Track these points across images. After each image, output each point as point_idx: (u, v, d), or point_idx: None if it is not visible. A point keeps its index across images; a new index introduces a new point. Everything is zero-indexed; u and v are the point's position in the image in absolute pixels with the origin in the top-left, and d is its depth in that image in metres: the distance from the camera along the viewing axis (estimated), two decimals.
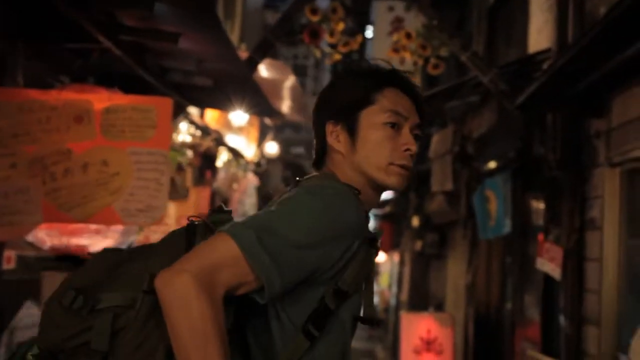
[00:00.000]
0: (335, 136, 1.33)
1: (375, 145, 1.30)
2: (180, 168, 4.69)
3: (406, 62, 4.60)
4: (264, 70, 5.31)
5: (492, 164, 5.93)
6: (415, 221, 10.40)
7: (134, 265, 1.20)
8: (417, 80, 5.81)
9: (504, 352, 6.13)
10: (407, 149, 1.32)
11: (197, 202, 6.39)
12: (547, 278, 4.79)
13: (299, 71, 9.46)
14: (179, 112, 4.42)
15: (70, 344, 1.15)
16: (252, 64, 4.65)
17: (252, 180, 7.09)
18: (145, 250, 1.24)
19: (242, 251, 1.10)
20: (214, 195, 7.03)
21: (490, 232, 6.25)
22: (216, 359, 1.07)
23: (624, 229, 3.82)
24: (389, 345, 14.74)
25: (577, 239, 4.15)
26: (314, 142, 1.40)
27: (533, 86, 4.21)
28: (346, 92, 1.34)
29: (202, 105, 4.96)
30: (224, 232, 1.13)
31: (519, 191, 5.74)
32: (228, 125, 6.00)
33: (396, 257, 15.50)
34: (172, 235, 1.25)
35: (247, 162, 7.19)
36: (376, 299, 20.29)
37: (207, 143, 5.49)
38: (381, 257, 19.91)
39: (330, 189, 1.21)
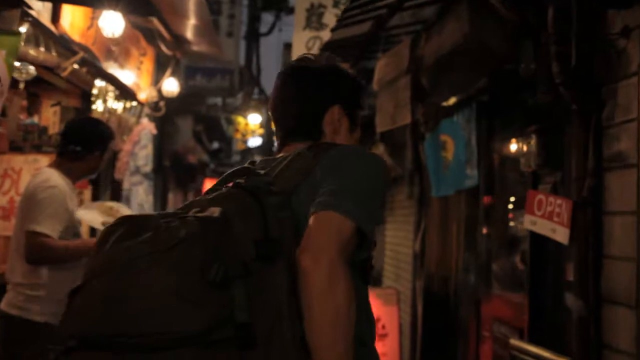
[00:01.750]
0: (339, 119, 1.57)
1: (358, 140, 1.65)
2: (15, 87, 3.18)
3: None
4: None
5: (452, 100, 4.65)
6: None
7: (230, 232, 1.21)
8: None
9: (464, 335, 4.95)
10: None
11: None
12: (535, 242, 3.59)
13: (211, 9, 7.90)
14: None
15: (216, 322, 1.12)
16: None
17: (146, 127, 5.58)
18: (221, 218, 1.22)
19: (365, 231, 1.31)
20: None
21: (447, 187, 5.02)
22: (351, 334, 1.24)
23: None
24: None
25: (593, 185, 2.92)
26: (297, 112, 1.58)
27: None
28: (354, 90, 1.62)
29: None
30: (343, 215, 1.28)
31: (489, 131, 4.51)
32: (104, 48, 4.40)
33: None
34: (237, 199, 1.27)
35: (141, 104, 5.66)
36: None
37: (70, 64, 3.91)
38: None
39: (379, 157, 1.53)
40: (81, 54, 4.03)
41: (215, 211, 1.23)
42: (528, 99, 3.61)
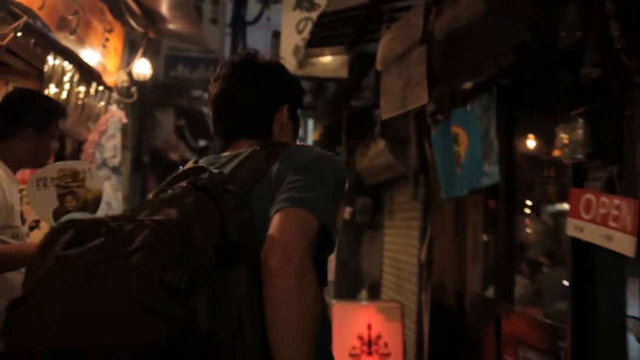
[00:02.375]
0: (286, 118, 1.53)
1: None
2: None
3: None
4: None
5: (467, 84, 4.01)
6: None
7: (190, 237, 1.13)
8: None
9: (480, 357, 4.30)
10: None
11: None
12: (580, 251, 2.95)
13: None
14: None
15: (180, 332, 1.07)
16: None
17: (115, 114, 4.92)
18: (181, 222, 1.15)
19: (330, 231, 1.29)
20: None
21: (459, 186, 4.38)
22: (314, 337, 1.22)
23: None
24: None
25: None
26: (248, 108, 1.51)
27: None
28: (299, 89, 1.60)
29: None
30: (311, 213, 1.25)
31: (512, 119, 3.88)
32: (56, 15, 3.67)
33: None
34: (193, 199, 1.19)
35: (109, 89, 4.98)
36: None
37: (11, 30, 3.22)
38: None
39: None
40: (25, 18, 3.35)
41: (172, 213, 1.15)
42: (569, 77, 2.98)
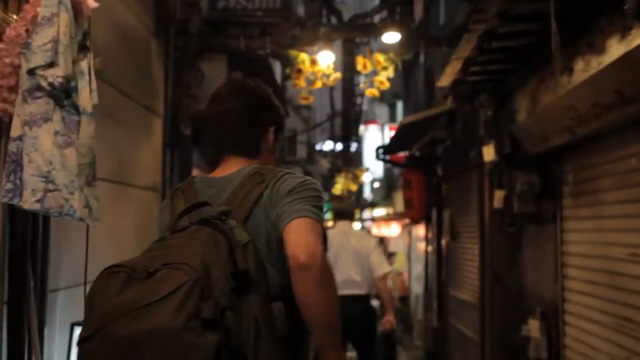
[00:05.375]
0: (271, 137, 1.90)
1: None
2: None
3: None
4: None
5: None
6: (489, 153, 5.47)
7: (212, 271, 1.46)
8: None
9: None
10: None
11: None
12: None
13: None
14: None
15: (219, 349, 1.40)
16: None
17: None
18: (202, 263, 1.47)
19: (325, 235, 1.70)
20: None
21: None
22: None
23: None
24: (420, 356, 10.50)
25: None
26: (243, 128, 1.86)
27: None
28: (280, 111, 1.93)
29: None
30: (315, 220, 1.64)
31: None
32: None
33: (421, 229, 10.86)
34: (210, 239, 1.53)
35: None
36: (390, 283, 13.67)
37: None
38: (393, 230, 15.47)
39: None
40: None
41: (193, 253, 1.46)
42: None
